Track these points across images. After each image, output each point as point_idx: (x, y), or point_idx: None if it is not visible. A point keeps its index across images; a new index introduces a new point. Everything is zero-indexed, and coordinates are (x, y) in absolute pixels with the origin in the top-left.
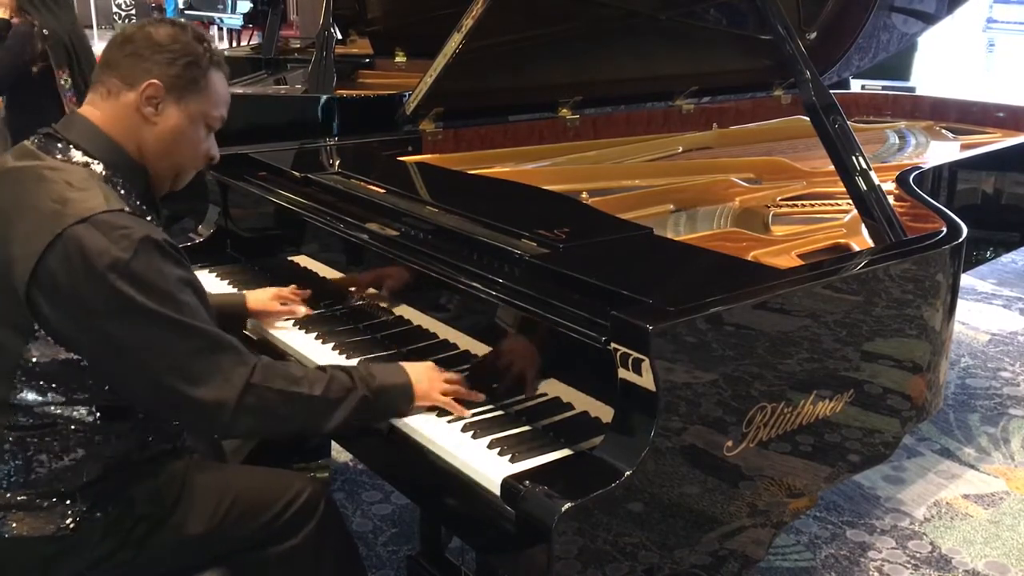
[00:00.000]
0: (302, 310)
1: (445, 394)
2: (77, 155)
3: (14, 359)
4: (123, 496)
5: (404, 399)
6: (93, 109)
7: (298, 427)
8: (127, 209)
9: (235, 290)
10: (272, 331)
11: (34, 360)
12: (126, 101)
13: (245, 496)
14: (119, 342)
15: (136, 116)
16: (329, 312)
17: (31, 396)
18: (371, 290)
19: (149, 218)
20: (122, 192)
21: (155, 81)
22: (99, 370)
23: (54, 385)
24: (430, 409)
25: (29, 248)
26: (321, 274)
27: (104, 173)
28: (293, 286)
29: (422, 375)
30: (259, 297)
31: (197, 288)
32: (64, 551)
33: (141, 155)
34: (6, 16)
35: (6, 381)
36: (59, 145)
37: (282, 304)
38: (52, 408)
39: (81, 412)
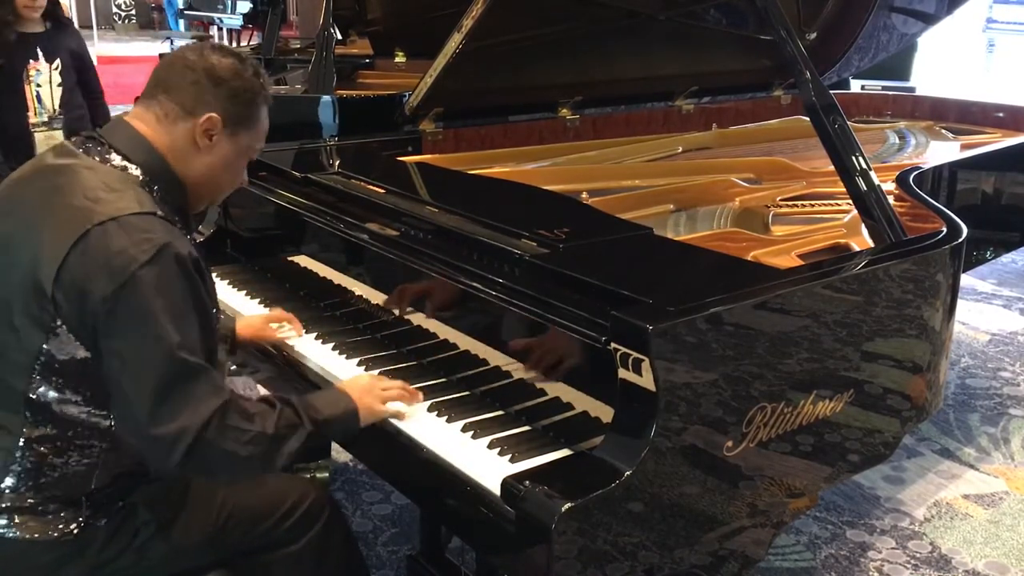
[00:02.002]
0: (295, 334)
1: (390, 399)
2: (116, 159)
3: (33, 353)
4: (126, 502)
5: (350, 425)
6: (143, 124)
7: (250, 467)
8: (159, 213)
9: (235, 290)
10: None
11: (53, 356)
12: (183, 128)
13: (247, 502)
14: (107, 342)
15: (189, 143)
16: (329, 312)
17: (50, 393)
18: (372, 291)
19: (179, 227)
20: (157, 198)
21: (215, 115)
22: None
23: (72, 384)
24: (430, 409)
25: (57, 244)
26: (321, 274)
27: (141, 178)
28: (279, 309)
29: (364, 392)
30: (251, 323)
31: (204, 308)
32: (66, 556)
33: (185, 176)
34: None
35: (24, 374)
36: (100, 148)
37: (277, 327)
38: (69, 408)
39: (97, 417)
